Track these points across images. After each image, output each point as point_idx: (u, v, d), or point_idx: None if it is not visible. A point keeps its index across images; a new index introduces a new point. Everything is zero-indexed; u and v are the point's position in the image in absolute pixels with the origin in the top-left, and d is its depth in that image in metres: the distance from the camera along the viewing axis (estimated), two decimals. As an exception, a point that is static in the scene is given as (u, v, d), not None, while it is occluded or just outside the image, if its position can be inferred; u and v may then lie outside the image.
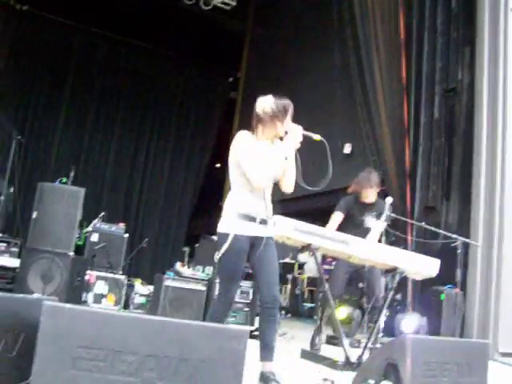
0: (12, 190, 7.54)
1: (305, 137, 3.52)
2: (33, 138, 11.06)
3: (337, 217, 5.45)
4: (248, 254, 3.53)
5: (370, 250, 4.21)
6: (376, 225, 5.36)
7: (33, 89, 11.24)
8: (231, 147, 3.53)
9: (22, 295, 2.42)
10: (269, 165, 3.44)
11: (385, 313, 4.49)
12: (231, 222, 3.45)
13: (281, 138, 3.60)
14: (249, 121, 3.62)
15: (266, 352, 3.51)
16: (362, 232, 5.22)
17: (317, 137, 3.52)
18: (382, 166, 7.44)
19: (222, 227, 3.49)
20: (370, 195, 5.51)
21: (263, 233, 3.52)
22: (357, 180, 5.60)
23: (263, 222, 3.51)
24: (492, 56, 6.66)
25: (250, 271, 6.70)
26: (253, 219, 3.47)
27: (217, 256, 3.46)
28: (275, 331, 3.60)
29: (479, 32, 6.84)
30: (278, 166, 3.48)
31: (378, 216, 5.40)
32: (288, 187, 3.63)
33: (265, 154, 3.48)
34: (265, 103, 3.53)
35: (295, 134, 3.48)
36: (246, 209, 3.47)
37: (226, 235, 3.41)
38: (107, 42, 11.93)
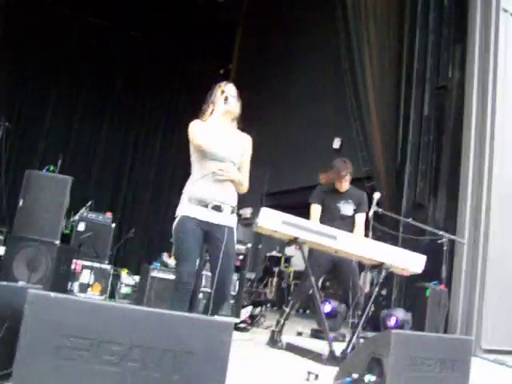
0: (-2, 177, 7.48)
1: None
2: (21, 125, 10.98)
3: (316, 209, 5.36)
4: (206, 242, 3.54)
5: (357, 244, 4.23)
6: (359, 218, 5.37)
7: (22, 76, 11.14)
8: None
9: (6, 283, 2.40)
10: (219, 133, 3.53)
11: (370, 308, 4.49)
12: (182, 206, 3.49)
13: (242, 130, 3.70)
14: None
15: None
16: (338, 219, 5.25)
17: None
18: (370, 162, 7.46)
19: (176, 212, 3.52)
20: (343, 186, 5.45)
21: (218, 220, 3.47)
22: (328, 174, 5.53)
23: (216, 208, 3.46)
24: (482, 55, 6.68)
25: (238, 264, 6.76)
26: (204, 204, 3.45)
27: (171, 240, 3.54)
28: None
29: (470, 31, 6.87)
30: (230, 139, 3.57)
31: (358, 206, 5.40)
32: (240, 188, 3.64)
33: (216, 128, 3.59)
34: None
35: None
36: (197, 194, 3.48)
37: (176, 218, 3.47)
38: (98, 31, 11.84)
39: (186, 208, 3.46)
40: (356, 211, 5.42)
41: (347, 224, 5.31)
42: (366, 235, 5.19)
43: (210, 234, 3.48)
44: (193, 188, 3.52)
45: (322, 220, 5.25)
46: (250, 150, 3.69)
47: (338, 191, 5.46)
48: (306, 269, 4.64)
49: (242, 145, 3.64)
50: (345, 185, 5.46)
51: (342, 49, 8.08)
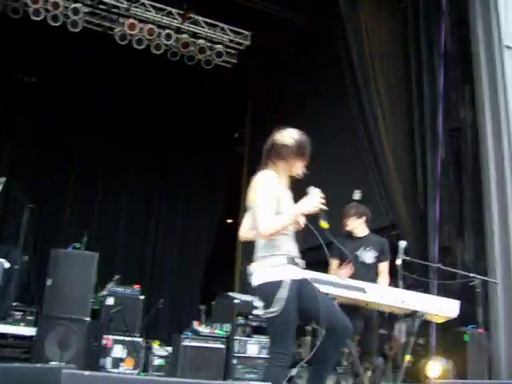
0: (26, 258, 7.56)
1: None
2: (44, 206, 11.13)
3: (333, 264, 5.11)
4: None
5: (388, 295, 4.17)
6: (383, 267, 5.19)
7: (42, 157, 11.38)
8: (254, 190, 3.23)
9: (40, 364, 2.40)
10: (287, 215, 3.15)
11: (408, 358, 4.38)
12: (283, 267, 3.10)
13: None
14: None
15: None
16: (358, 267, 5.00)
17: (324, 223, 3.22)
18: (392, 210, 7.42)
19: (271, 275, 3.08)
20: (350, 225, 5.28)
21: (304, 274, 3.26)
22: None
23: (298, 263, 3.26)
24: (492, 92, 6.73)
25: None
26: (296, 263, 3.22)
27: (271, 310, 3.08)
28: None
29: (477, 70, 6.94)
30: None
31: (380, 254, 5.20)
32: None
33: (289, 202, 3.29)
34: (289, 135, 3.46)
35: (314, 199, 3.22)
36: (292, 252, 3.22)
37: (279, 283, 3.03)
38: (112, 106, 11.99)
39: (290, 270, 3.10)
40: (378, 259, 5.20)
41: (369, 272, 5.10)
42: (397, 285, 5.10)
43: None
44: (288, 248, 3.19)
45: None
46: None
47: (355, 237, 5.30)
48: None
49: None
50: (350, 226, 5.29)
51: (352, 101, 8.18)
